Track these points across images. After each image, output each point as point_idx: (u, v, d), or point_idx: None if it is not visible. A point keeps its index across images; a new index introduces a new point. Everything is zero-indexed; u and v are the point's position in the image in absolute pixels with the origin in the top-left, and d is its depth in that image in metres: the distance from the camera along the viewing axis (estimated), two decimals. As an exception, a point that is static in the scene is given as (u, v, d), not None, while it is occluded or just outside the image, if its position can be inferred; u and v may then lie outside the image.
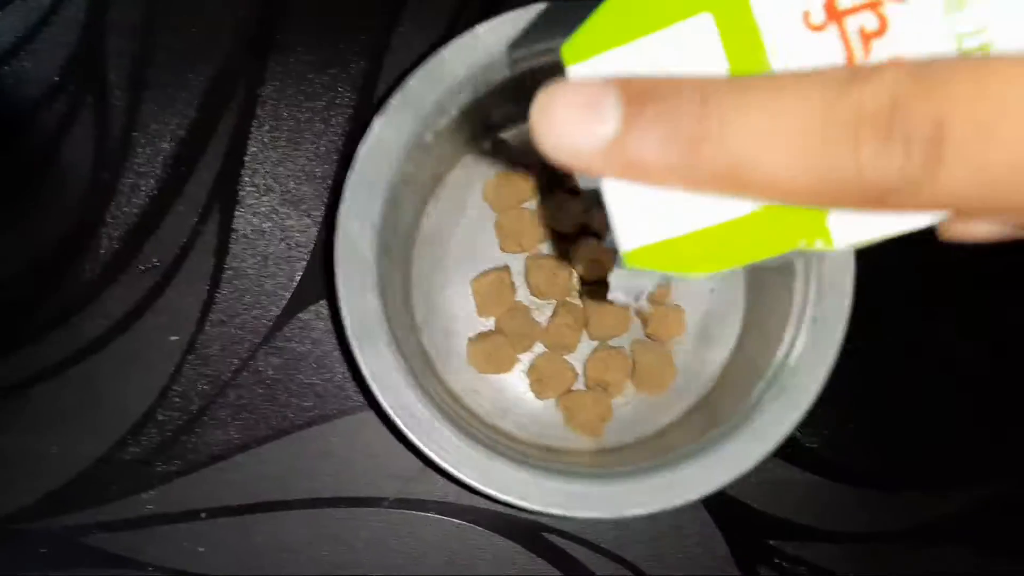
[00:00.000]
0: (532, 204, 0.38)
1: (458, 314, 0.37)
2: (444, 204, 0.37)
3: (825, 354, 0.32)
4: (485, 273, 0.37)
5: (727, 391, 0.37)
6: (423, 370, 0.33)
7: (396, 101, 0.31)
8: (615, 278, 0.24)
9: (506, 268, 0.37)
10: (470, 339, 0.37)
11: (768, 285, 0.36)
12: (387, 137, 0.32)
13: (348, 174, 0.32)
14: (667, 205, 0.17)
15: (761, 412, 0.33)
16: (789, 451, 0.39)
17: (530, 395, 0.37)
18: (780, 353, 0.33)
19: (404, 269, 0.36)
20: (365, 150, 0.32)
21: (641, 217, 0.18)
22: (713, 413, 0.36)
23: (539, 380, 0.37)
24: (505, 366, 0.37)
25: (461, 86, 0.32)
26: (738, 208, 0.17)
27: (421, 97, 0.32)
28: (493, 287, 0.36)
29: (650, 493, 0.32)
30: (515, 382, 0.38)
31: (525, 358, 0.37)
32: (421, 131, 0.32)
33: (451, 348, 0.37)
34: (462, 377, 0.37)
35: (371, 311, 0.31)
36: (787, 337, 0.33)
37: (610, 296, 0.24)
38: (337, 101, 0.39)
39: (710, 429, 0.34)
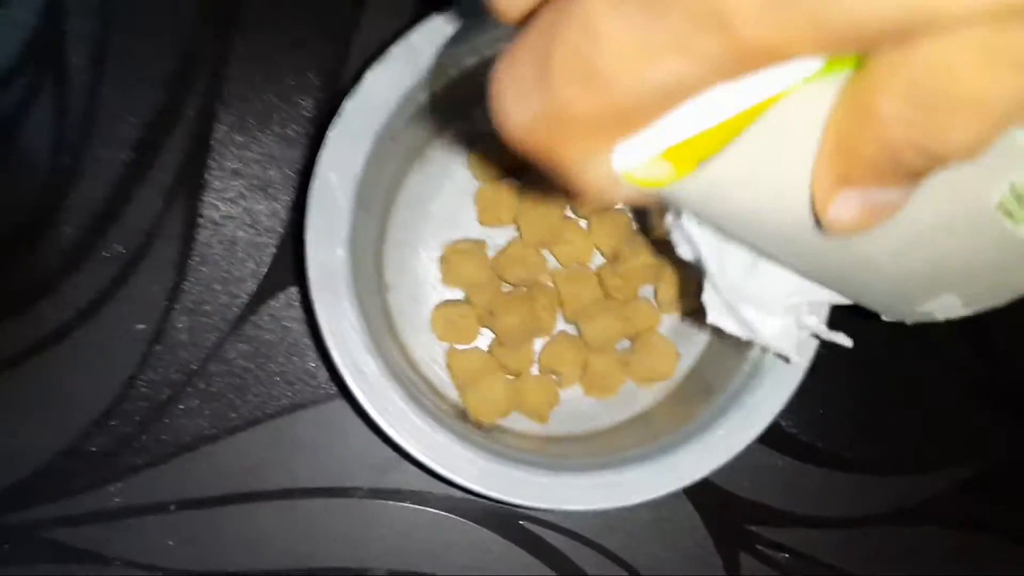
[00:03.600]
0: (514, 178, 0.37)
1: (428, 280, 0.37)
2: (430, 168, 0.36)
3: (806, 344, 0.32)
4: (460, 242, 0.36)
5: (703, 382, 0.36)
6: (383, 330, 0.32)
7: (395, 52, 0.30)
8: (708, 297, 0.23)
9: (483, 242, 0.36)
10: (436, 305, 0.36)
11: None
12: (379, 90, 0.30)
13: (334, 121, 0.30)
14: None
15: (742, 401, 0.32)
16: (770, 437, 0.38)
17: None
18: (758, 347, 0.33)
19: (380, 227, 0.35)
20: (355, 99, 0.30)
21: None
22: (689, 403, 0.35)
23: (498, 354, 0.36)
24: (466, 337, 0.36)
25: (466, 47, 0.31)
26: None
27: (421, 53, 0.30)
28: (464, 258, 0.35)
29: (632, 485, 0.31)
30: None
31: (489, 334, 0.37)
32: (416, 88, 0.31)
33: (417, 314, 0.36)
34: (423, 344, 0.36)
35: (338, 264, 0.30)
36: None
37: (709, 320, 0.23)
38: (305, 83, 0.38)
39: (687, 420, 0.33)
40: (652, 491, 0.31)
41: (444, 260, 0.36)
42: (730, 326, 0.23)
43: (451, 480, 0.30)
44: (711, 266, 0.21)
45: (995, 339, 0.40)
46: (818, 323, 0.24)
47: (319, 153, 0.30)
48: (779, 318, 0.23)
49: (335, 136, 0.30)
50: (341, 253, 0.30)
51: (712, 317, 0.23)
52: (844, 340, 0.25)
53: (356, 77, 0.31)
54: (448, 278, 0.36)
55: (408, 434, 0.30)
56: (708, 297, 0.23)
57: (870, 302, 0.22)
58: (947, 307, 0.21)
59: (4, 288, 0.37)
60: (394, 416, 0.30)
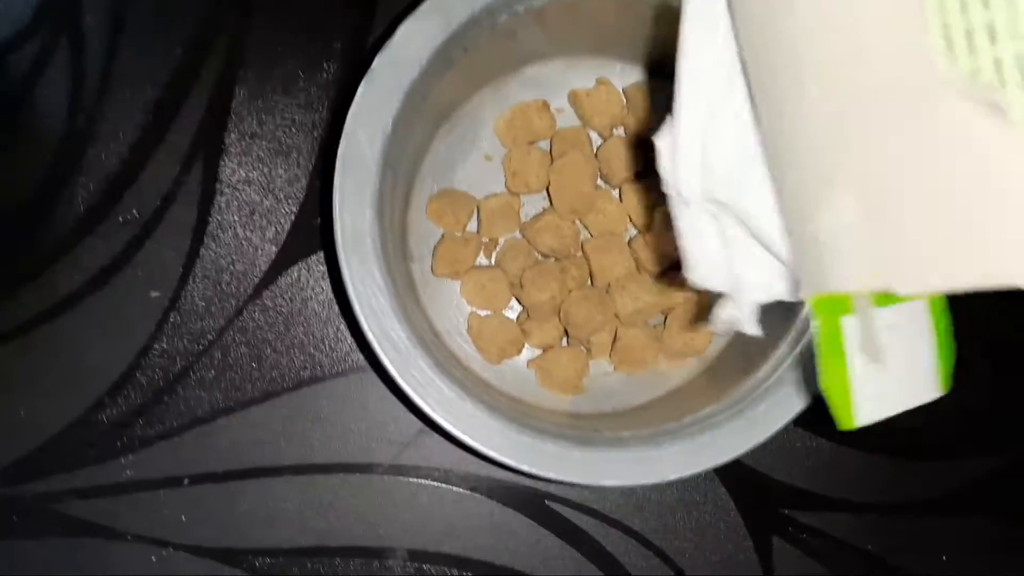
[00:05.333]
0: (545, 143, 0.36)
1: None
2: (456, 133, 0.35)
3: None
4: (495, 195, 0.35)
5: (742, 359, 0.35)
6: (409, 299, 0.31)
7: (427, 6, 0.29)
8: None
9: (517, 197, 0.35)
10: (467, 270, 0.35)
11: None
12: (411, 45, 0.29)
13: (365, 77, 0.29)
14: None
15: (783, 377, 0.31)
16: (806, 417, 0.37)
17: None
18: (798, 326, 0.31)
19: (405, 193, 0.34)
20: (386, 54, 0.29)
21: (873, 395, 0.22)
22: (725, 381, 0.34)
23: (526, 325, 0.35)
24: (497, 303, 0.35)
25: (499, 3, 0.30)
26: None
27: (453, 7, 0.29)
28: (500, 210, 0.34)
29: (669, 461, 0.30)
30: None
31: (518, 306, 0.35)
32: (449, 45, 0.29)
33: (441, 284, 0.35)
34: (448, 316, 0.35)
35: (366, 225, 0.29)
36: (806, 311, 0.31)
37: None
38: (328, 48, 0.37)
39: (722, 396, 0.32)
40: (690, 467, 0.29)
41: (482, 210, 0.35)
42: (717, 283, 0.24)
43: (480, 452, 0.29)
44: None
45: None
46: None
47: (349, 109, 0.29)
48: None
49: (365, 92, 0.29)
50: (370, 214, 0.29)
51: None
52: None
53: (380, 42, 0.30)
54: (486, 229, 0.35)
55: (436, 403, 0.28)
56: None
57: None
58: (841, 220, 0.20)
59: (17, 254, 0.36)
60: (422, 384, 0.29)
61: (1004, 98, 0.17)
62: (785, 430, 0.30)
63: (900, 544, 0.37)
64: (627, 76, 0.36)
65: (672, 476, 0.29)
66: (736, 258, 0.24)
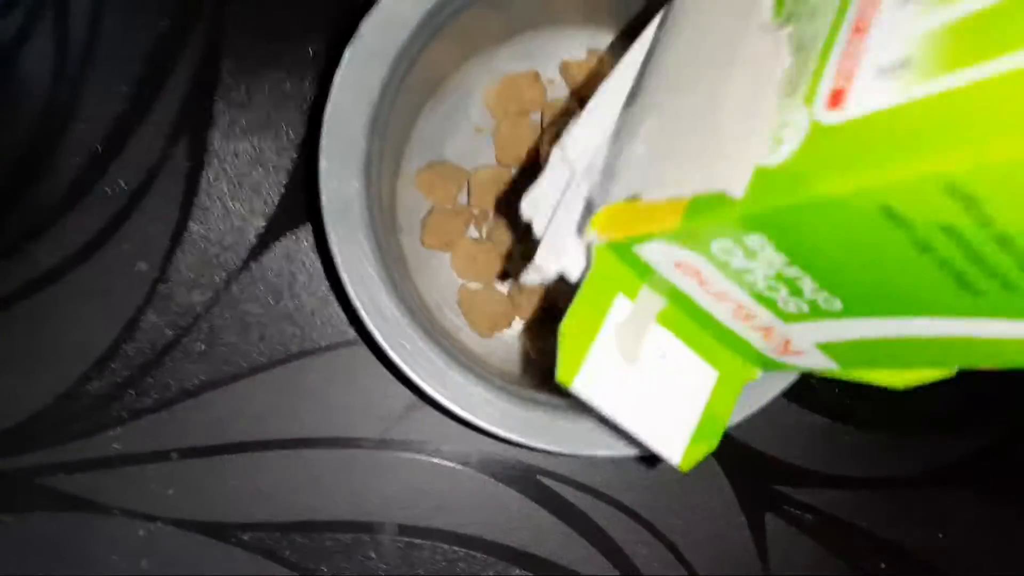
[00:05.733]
0: (536, 115, 0.35)
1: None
2: (447, 103, 0.35)
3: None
4: (485, 167, 0.34)
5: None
6: (399, 270, 0.30)
7: None
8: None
9: (508, 168, 0.34)
10: (457, 242, 0.34)
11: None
12: (399, 9, 0.28)
13: (351, 41, 0.28)
14: (676, 418, 0.23)
15: None
16: (798, 393, 0.36)
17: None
18: None
19: (394, 163, 0.33)
20: (374, 17, 0.28)
21: (671, 436, 0.23)
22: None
23: (517, 298, 0.34)
24: (487, 275, 0.34)
25: None
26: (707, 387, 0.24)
27: None
28: (490, 182, 0.34)
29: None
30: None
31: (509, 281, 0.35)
32: (437, 11, 0.29)
33: (430, 257, 0.35)
34: (437, 289, 0.34)
35: (353, 193, 0.28)
36: None
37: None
38: (317, 16, 0.36)
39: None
40: None
41: (472, 182, 0.34)
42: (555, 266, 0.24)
43: (468, 421, 0.28)
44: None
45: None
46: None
47: (336, 73, 0.28)
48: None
49: (351, 57, 0.28)
50: (356, 182, 0.28)
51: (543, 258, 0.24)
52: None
53: (368, 10, 0.29)
54: (476, 199, 0.34)
55: (426, 373, 0.28)
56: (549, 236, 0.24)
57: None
58: (636, 150, 0.22)
59: (1, 225, 0.35)
60: (411, 355, 0.28)
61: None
62: (777, 407, 0.30)
63: (894, 520, 0.37)
64: (618, 47, 0.36)
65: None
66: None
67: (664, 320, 0.23)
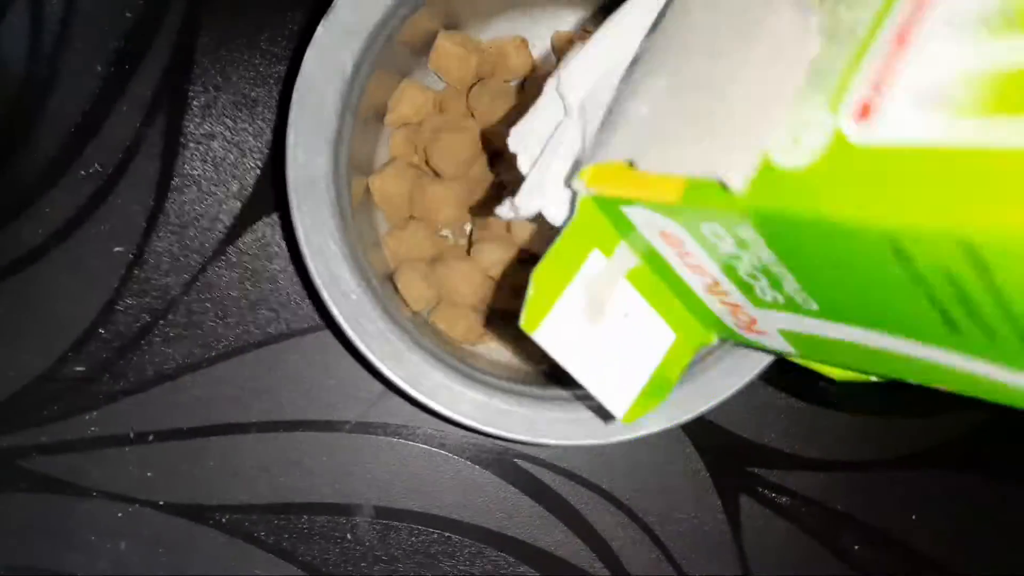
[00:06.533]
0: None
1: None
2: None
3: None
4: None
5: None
6: (364, 247, 0.30)
7: None
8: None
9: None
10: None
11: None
12: None
13: (325, 16, 0.28)
14: (627, 374, 0.23)
15: (735, 348, 0.30)
16: (774, 374, 0.37)
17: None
18: None
19: (373, 140, 0.33)
20: None
21: (620, 391, 0.23)
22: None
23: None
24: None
25: None
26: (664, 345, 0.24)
27: None
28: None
29: (612, 423, 0.30)
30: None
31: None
32: None
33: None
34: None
35: (320, 170, 0.28)
36: None
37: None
38: (296, -5, 0.36)
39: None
40: (634, 430, 0.29)
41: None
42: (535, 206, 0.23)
43: (418, 401, 0.28)
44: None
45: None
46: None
47: (308, 48, 0.28)
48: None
49: (324, 32, 0.28)
50: (324, 158, 0.28)
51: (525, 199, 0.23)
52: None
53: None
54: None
55: (383, 353, 0.28)
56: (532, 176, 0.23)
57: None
58: (639, 110, 0.21)
59: (-24, 205, 0.35)
60: (370, 335, 0.28)
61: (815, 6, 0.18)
62: (752, 389, 0.30)
63: (868, 502, 0.37)
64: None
65: (616, 438, 0.29)
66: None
67: (633, 278, 0.23)
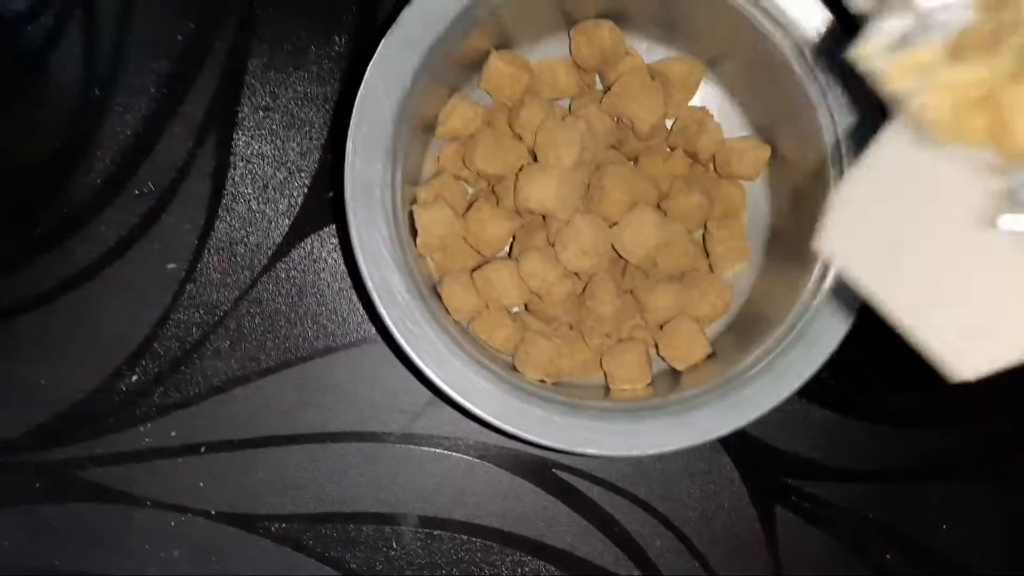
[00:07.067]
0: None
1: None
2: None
3: (855, 295, 0.31)
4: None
5: (737, 334, 0.35)
6: (414, 255, 0.31)
7: None
8: None
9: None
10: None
11: (790, 231, 0.34)
12: (437, 2, 0.30)
13: (390, 30, 0.30)
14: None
15: (788, 349, 0.31)
16: (808, 388, 0.37)
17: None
18: (805, 294, 0.32)
19: (419, 152, 0.34)
20: (412, 8, 0.30)
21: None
22: (728, 356, 0.34)
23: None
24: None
25: None
26: None
27: None
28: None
29: (669, 431, 0.30)
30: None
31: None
32: (476, 3, 0.30)
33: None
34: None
35: (376, 176, 0.29)
36: (812, 279, 0.32)
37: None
38: (341, 20, 0.37)
39: (726, 370, 0.32)
40: (668, 444, 0.30)
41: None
42: None
43: (463, 406, 0.29)
44: None
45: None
46: None
47: (371, 61, 0.30)
48: None
49: (387, 45, 0.30)
50: (381, 165, 0.29)
51: None
52: None
53: (392, 14, 0.30)
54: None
55: (429, 358, 0.29)
56: None
57: None
58: None
59: (35, 224, 0.36)
60: (417, 339, 0.29)
61: None
62: (786, 401, 0.31)
63: (899, 511, 0.38)
64: (653, 54, 0.36)
65: (651, 451, 0.30)
66: None
67: None
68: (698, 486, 0.37)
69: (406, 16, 0.30)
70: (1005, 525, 0.38)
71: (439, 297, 0.33)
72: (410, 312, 0.29)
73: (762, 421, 0.32)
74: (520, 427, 0.30)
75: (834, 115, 0.31)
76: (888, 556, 0.37)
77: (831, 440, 0.38)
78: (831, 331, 0.31)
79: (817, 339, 0.31)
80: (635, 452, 0.30)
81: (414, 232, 0.32)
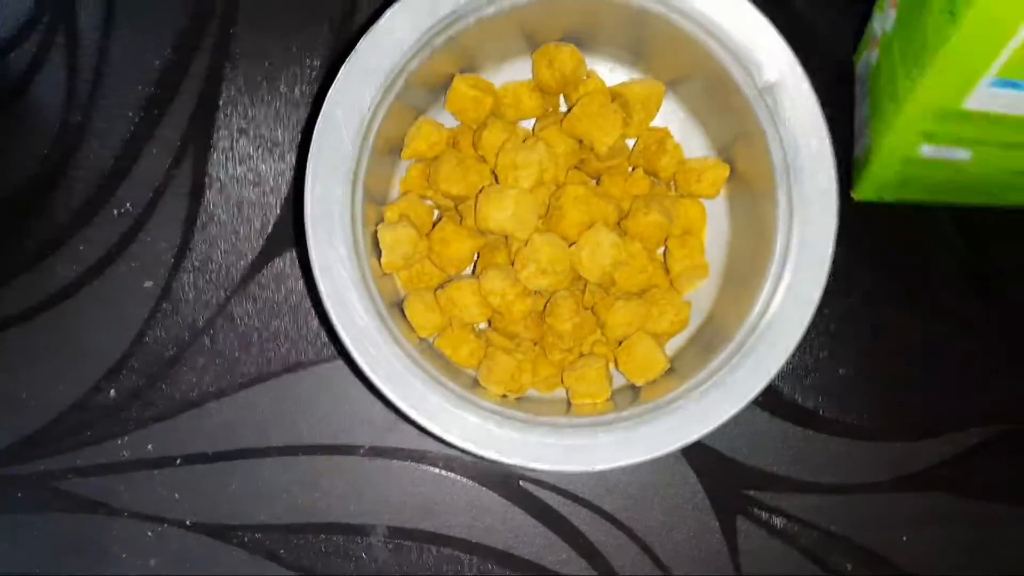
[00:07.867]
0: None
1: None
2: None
3: (803, 311, 0.32)
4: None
5: (698, 349, 0.36)
6: (376, 275, 0.32)
7: None
8: None
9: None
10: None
11: (745, 249, 0.35)
12: (396, 28, 0.31)
13: (348, 57, 0.31)
14: None
15: (738, 365, 0.32)
16: (769, 401, 0.38)
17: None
18: (756, 311, 0.33)
19: (386, 174, 0.35)
20: (370, 37, 0.31)
21: None
22: (687, 371, 0.35)
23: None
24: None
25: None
26: None
27: None
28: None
29: (621, 447, 0.31)
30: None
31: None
32: (433, 31, 0.31)
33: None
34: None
35: (335, 202, 0.30)
36: (763, 295, 0.33)
37: None
38: (314, 44, 0.38)
39: (683, 384, 0.33)
40: (620, 459, 0.31)
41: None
42: None
43: (417, 422, 0.31)
44: None
45: (1001, 306, 0.39)
46: None
47: (330, 89, 0.31)
48: None
49: (346, 73, 0.31)
50: (340, 190, 0.30)
51: None
52: None
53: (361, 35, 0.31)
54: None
55: (383, 371, 0.30)
56: None
57: None
58: None
59: (16, 243, 0.37)
60: (375, 359, 0.30)
61: None
62: (748, 414, 0.32)
63: (861, 523, 0.38)
64: (616, 76, 0.37)
65: (600, 466, 0.31)
66: None
67: None
68: (661, 498, 0.38)
69: (363, 46, 0.31)
70: (965, 537, 0.39)
71: (403, 314, 0.34)
72: (368, 333, 0.30)
73: (725, 434, 0.33)
74: (475, 443, 0.31)
75: (782, 140, 0.32)
76: (848, 567, 0.38)
77: (793, 453, 0.39)
78: (781, 346, 0.32)
79: (767, 354, 0.32)
80: (586, 467, 0.31)
81: (380, 252, 0.33)
